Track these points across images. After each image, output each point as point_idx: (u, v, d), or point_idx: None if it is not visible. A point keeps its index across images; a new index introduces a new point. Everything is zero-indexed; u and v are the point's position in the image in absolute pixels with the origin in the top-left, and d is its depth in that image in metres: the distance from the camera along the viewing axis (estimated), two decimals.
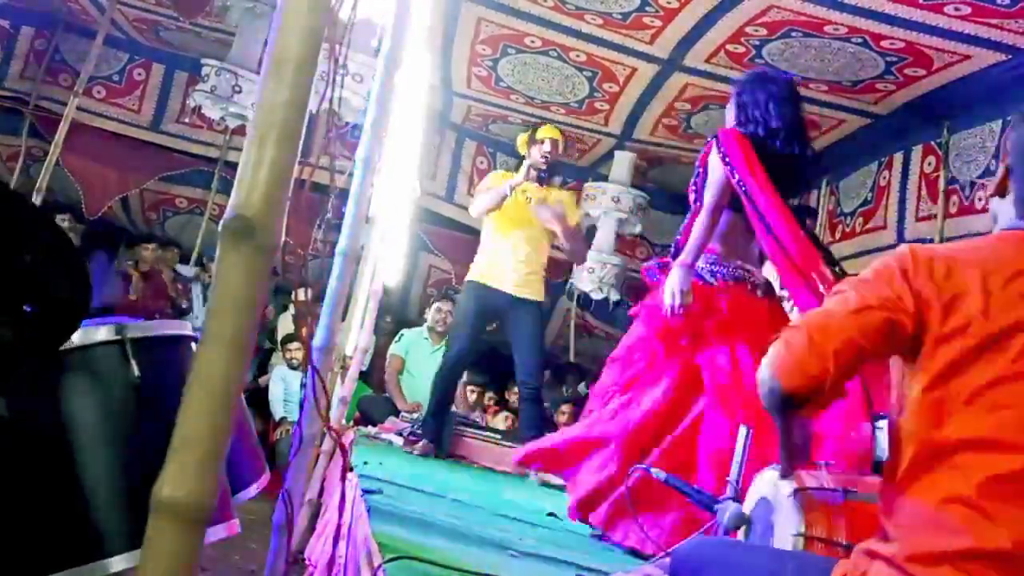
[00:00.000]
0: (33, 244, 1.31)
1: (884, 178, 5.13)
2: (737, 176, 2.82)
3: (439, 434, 4.50)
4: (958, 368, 1.18)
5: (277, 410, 6.14)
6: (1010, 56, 3.92)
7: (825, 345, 1.23)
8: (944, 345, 1.19)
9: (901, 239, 4.86)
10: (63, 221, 6.26)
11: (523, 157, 4.58)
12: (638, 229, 6.43)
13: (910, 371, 1.24)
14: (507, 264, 4.48)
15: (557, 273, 6.12)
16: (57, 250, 1.35)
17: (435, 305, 5.93)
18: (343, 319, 2.94)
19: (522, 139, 4.65)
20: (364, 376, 5.71)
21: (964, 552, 1.12)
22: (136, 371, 1.48)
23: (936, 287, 1.22)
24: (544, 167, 4.47)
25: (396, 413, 5.26)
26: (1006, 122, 4.14)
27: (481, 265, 4.59)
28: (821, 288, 2.62)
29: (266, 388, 6.28)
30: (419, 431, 4.67)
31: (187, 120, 7.10)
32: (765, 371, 1.28)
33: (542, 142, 4.47)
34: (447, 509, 2.72)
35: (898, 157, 5.00)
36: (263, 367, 6.82)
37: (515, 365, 4.46)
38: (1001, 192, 1.35)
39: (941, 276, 1.22)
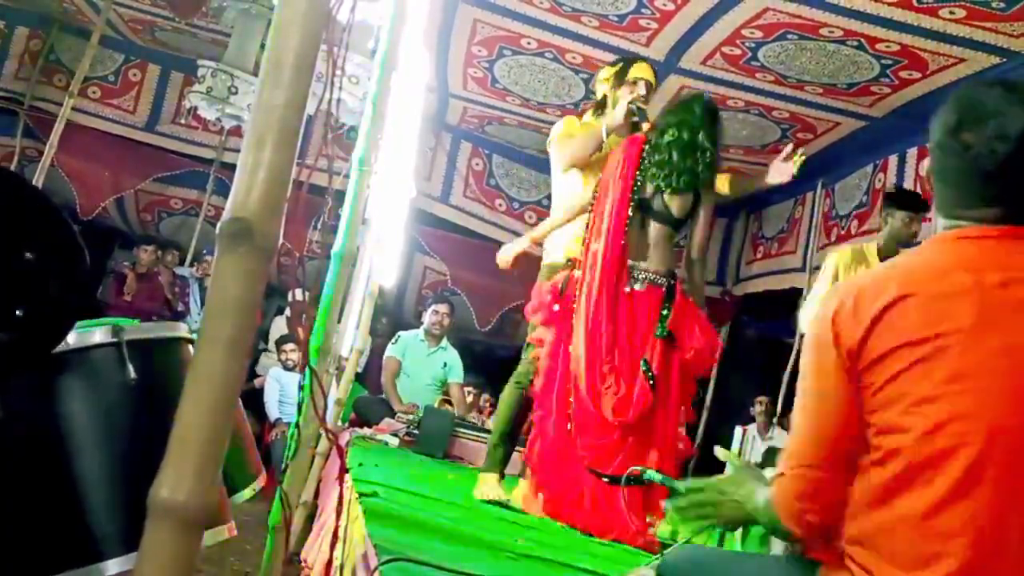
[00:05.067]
0: (37, 241, 1.29)
1: (879, 180, 5.15)
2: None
3: (507, 463, 3.42)
4: (901, 386, 1.17)
5: (272, 411, 6.14)
6: (1005, 59, 3.94)
7: (818, 482, 1.23)
8: (879, 365, 1.19)
9: None
10: None
11: (602, 99, 3.55)
12: None
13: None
14: None
15: None
16: (61, 248, 1.34)
17: (431, 308, 5.89)
18: (339, 321, 2.94)
19: (607, 73, 3.55)
20: (359, 377, 5.71)
21: (938, 556, 1.13)
22: (132, 373, 1.47)
23: (856, 321, 1.20)
24: (640, 112, 3.32)
25: (392, 414, 5.26)
26: None
27: (567, 241, 3.39)
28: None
29: (261, 389, 6.27)
30: (415, 431, 4.65)
31: (182, 121, 7.11)
32: (777, 516, 1.28)
33: (635, 83, 3.42)
34: (444, 511, 2.72)
35: (893, 159, 5.03)
36: (253, 369, 6.82)
37: None
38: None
39: (862, 306, 1.21)
